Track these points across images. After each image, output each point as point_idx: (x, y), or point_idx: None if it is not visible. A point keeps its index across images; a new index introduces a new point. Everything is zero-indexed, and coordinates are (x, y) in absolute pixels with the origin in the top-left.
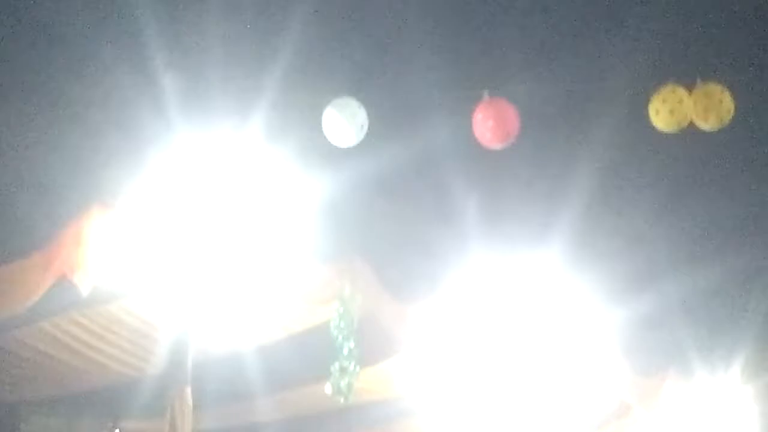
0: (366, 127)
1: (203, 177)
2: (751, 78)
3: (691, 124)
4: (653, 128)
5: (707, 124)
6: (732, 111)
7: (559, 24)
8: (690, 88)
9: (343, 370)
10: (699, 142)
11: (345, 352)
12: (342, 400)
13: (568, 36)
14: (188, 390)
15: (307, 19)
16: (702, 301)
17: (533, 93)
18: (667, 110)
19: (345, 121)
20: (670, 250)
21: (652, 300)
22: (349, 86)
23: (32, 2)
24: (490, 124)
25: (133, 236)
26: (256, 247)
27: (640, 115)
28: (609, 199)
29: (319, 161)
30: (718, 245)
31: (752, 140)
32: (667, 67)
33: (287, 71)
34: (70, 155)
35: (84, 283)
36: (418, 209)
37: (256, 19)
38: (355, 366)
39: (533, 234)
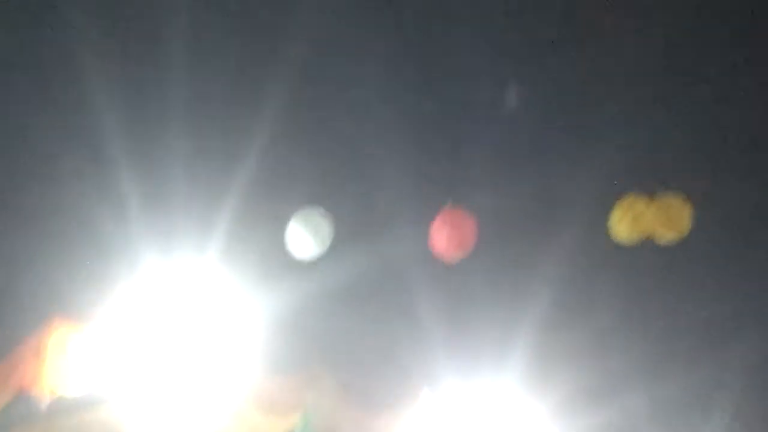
0: (329, 239)
1: (165, 287)
2: (712, 189)
3: (652, 235)
4: (614, 238)
5: (668, 235)
6: (691, 222)
7: (521, 135)
8: (650, 198)
9: None
10: (660, 252)
11: None
12: None
13: (530, 147)
14: None
15: (270, 130)
16: (665, 415)
17: (495, 204)
18: (628, 221)
19: (308, 232)
20: (632, 362)
21: (614, 415)
22: (312, 198)
23: None
24: (448, 235)
25: (95, 349)
26: (217, 359)
27: (602, 224)
28: (571, 311)
29: (282, 272)
30: (680, 358)
31: (712, 251)
32: (627, 177)
33: (251, 182)
34: (31, 266)
35: (43, 396)
36: (381, 320)
37: (219, 131)
38: None
39: (494, 344)
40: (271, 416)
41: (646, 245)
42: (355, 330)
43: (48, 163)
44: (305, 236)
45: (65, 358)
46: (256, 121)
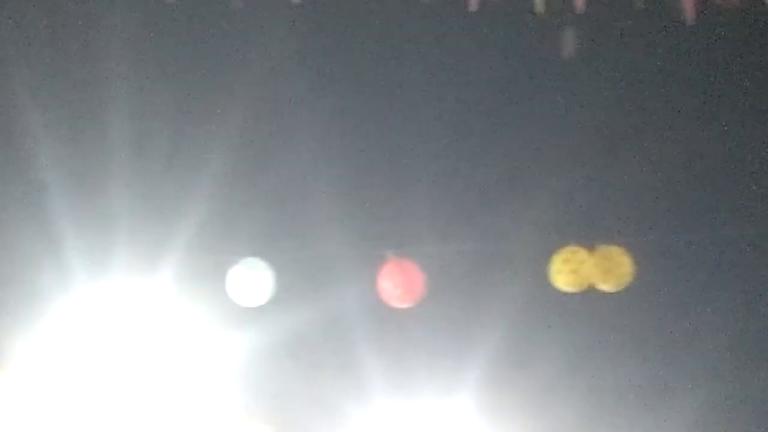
0: (272, 287)
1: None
2: (650, 240)
3: (592, 285)
4: (556, 288)
5: (607, 286)
6: (631, 273)
7: (463, 185)
8: (590, 249)
9: None
10: (600, 302)
11: None
12: None
13: (473, 196)
14: None
15: (212, 179)
16: None
17: (437, 253)
18: (568, 271)
19: (251, 281)
20: (575, 412)
21: None
22: (254, 247)
23: None
24: (395, 284)
25: (28, 396)
26: (159, 403)
27: (543, 274)
28: (513, 359)
29: (225, 321)
30: (622, 408)
31: (651, 301)
32: (567, 227)
33: (193, 232)
34: None
35: None
36: (323, 369)
37: (161, 179)
38: None
39: (439, 394)
40: None
41: (588, 295)
42: (298, 379)
43: None
44: (248, 284)
45: None
46: (198, 170)
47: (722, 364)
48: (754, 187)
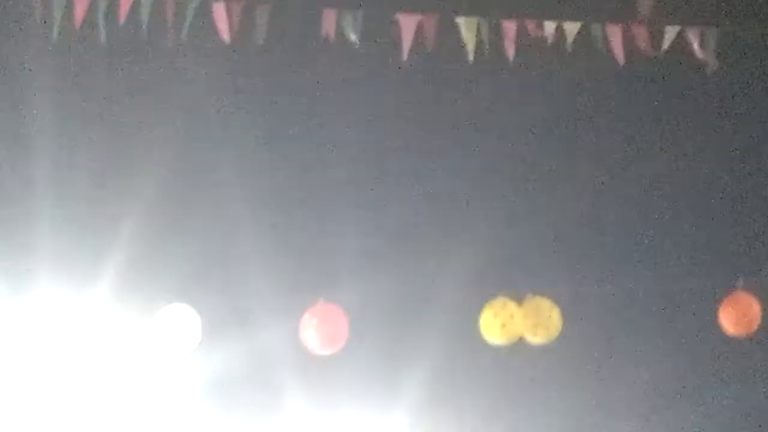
0: (199, 333)
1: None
2: (579, 292)
3: (521, 338)
4: (484, 339)
5: (536, 339)
6: (560, 326)
7: (391, 231)
8: (519, 301)
9: None
10: (528, 354)
11: None
12: None
13: (400, 243)
14: None
15: (137, 224)
16: None
17: (364, 299)
18: (498, 324)
19: (177, 327)
20: None
21: None
22: (181, 292)
23: None
24: (317, 330)
25: None
26: None
27: (473, 326)
28: (439, 409)
29: (151, 365)
30: None
31: (580, 354)
32: (497, 279)
33: (118, 278)
34: None
35: None
36: (250, 415)
37: (85, 223)
38: None
39: None
40: None
41: (516, 347)
42: (224, 425)
43: None
44: (174, 329)
45: None
46: (123, 214)
47: (651, 414)
48: (680, 237)
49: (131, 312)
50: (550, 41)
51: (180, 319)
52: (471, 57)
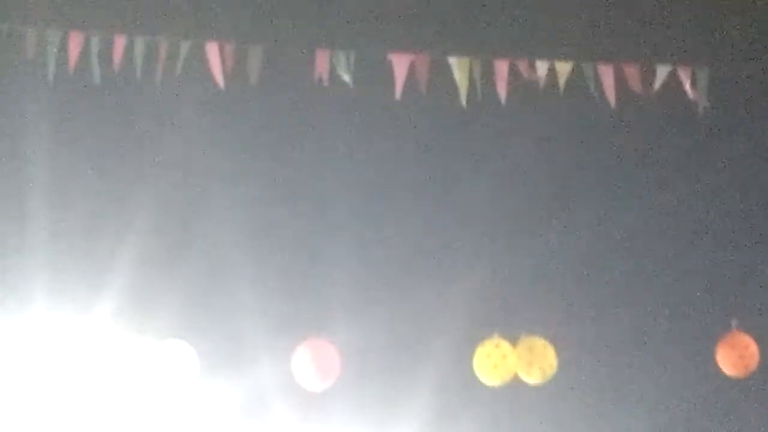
0: (196, 369)
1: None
2: (574, 332)
3: (515, 377)
4: (479, 378)
5: (531, 378)
6: (555, 365)
7: (385, 269)
8: (513, 342)
9: None
10: (523, 394)
11: None
12: None
13: (394, 282)
14: None
15: (131, 264)
16: None
17: (358, 337)
18: (491, 365)
19: (173, 363)
20: None
21: None
22: (176, 328)
23: None
24: (309, 365)
25: None
26: None
27: (467, 365)
28: None
29: (147, 402)
30: None
31: (575, 394)
32: (491, 318)
33: (113, 314)
34: None
35: None
36: None
37: (80, 260)
38: None
39: None
40: None
41: (511, 386)
42: None
43: None
44: (171, 365)
45: None
46: (117, 251)
47: None
48: (676, 277)
49: (127, 348)
50: (542, 83)
51: (176, 355)
52: (464, 100)
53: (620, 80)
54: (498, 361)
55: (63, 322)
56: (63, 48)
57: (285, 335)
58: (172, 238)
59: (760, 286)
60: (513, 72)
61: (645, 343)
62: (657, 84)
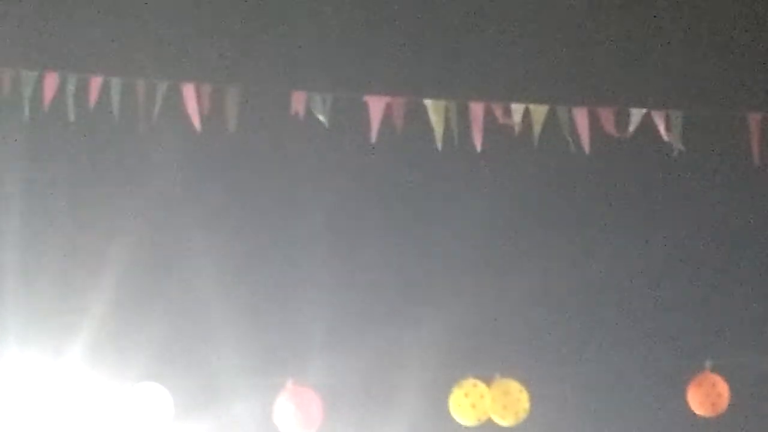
0: (170, 412)
1: None
2: (548, 374)
3: (489, 419)
4: (455, 419)
5: (504, 421)
6: (528, 408)
7: (360, 310)
8: (488, 382)
9: None
10: None
11: None
12: None
13: (369, 323)
14: None
15: (105, 306)
16: None
17: (334, 378)
18: (468, 404)
19: (148, 405)
20: None
21: None
22: (152, 370)
23: None
24: (294, 415)
25: None
26: None
27: (442, 406)
28: None
29: None
30: None
31: None
32: (465, 360)
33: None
34: None
35: None
36: None
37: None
38: None
39: None
40: None
41: (485, 428)
42: None
43: None
44: (146, 409)
45: None
46: (92, 292)
47: None
48: (649, 318)
49: (101, 391)
50: (517, 128)
51: (151, 398)
52: (439, 145)
53: (595, 123)
54: (476, 401)
55: (36, 365)
56: (38, 86)
57: (260, 377)
58: (147, 280)
59: (734, 327)
60: (488, 115)
61: (618, 384)
62: (632, 127)
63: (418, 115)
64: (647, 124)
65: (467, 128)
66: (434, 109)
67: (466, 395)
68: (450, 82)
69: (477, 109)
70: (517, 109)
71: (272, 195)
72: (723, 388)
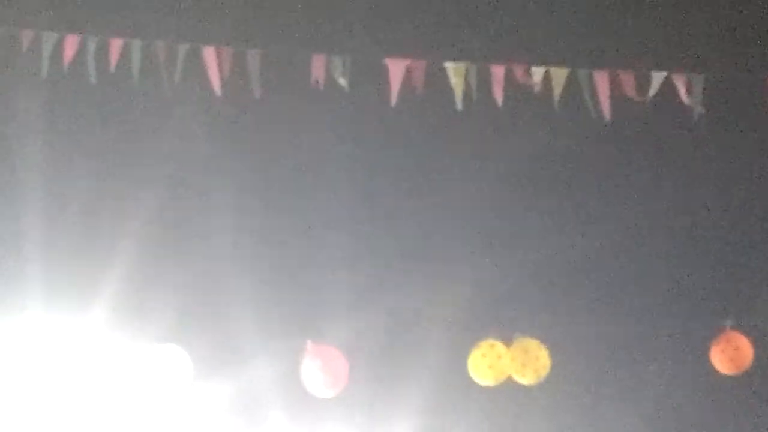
0: (189, 373)
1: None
2: (568, 333)
3: (510, 378)
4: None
5: (525, 379)
6: (548, 366)
7: (381, 272)
8: (507, 342)
9: None
10: (517, 394)
11: None
12: None
13: (390, 284)
14: None
15: (126, 268)
16: None
17: (355, 339)
18: (485, 365)
19: (167, 367)
20: None
21: None
22: (171, 331)
23: None
24: (321, 372)
25: None
26: None
27: (462, 365)
28: None
29: (141, 403)
30: None
31: (569, 394)
32: (485, 319)
33: (110, 313)
34: None
35: None
36: None
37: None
38: None
39: None
40: None
41: (505, 386)
42: None
43: None
44: (166, 368)
45: None
46: (113, 254)
47: None
48: (670, 278)
49: (121, 352)
50: (537, 89)
51: (170, 359)
52: (459, 105)
53: (615, 86)
54: (493, 362)
55: (58, 325)
56: (58, 45)
57: (279, 338)
58: (168, 242)
59: (755, 286)
60: (509, 77)
61: (639, 343)
62: (652, 91)
63: (438, 77)
64: (668, 87)
65: (487, 89)
66: (455, 72)
67: (484, 356)
68: (470, 44)
69: (498, 72)
70: (537, 71)
71: (293, 157)
72: (746, 345)
